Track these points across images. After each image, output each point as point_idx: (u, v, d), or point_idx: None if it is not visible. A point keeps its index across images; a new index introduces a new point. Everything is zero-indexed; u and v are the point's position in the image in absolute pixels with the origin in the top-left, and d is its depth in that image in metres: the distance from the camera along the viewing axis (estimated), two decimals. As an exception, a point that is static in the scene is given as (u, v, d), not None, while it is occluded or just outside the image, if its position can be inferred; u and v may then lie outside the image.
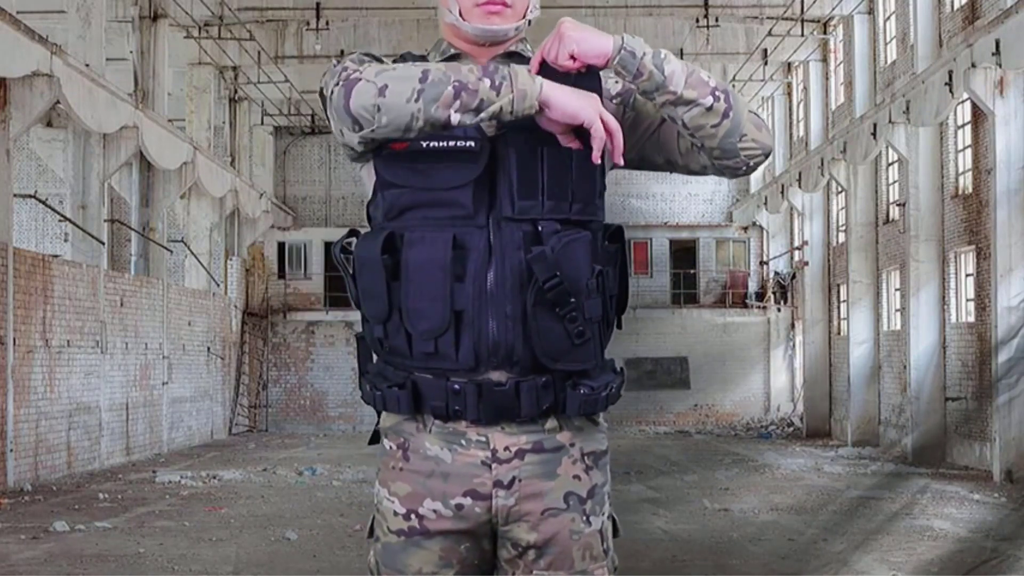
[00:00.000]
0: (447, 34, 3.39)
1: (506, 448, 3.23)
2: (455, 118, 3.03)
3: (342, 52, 35.12)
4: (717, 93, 3.14)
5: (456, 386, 3.18)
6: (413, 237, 3.16)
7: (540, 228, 3.15)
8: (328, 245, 43.87)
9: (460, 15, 3.29)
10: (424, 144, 3.15)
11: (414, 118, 3.03)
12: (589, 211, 3.23)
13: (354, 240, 3.29)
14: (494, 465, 3.23)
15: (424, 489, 3.25)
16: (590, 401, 3.24)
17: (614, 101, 3.35)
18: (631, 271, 3.61)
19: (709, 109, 3.14)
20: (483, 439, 3.23)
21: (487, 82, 3.03)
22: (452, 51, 3.34)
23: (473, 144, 3.16)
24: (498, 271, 3.14)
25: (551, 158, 3.18)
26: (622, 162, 3.19)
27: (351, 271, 3.27)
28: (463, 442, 3.23)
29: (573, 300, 3.14)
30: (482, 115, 3.05)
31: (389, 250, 3.16)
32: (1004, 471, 20.49)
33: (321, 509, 17.31)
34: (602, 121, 3.08)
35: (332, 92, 3.11)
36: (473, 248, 3.14)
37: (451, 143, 3.15)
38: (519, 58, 3.33)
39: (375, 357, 3.37)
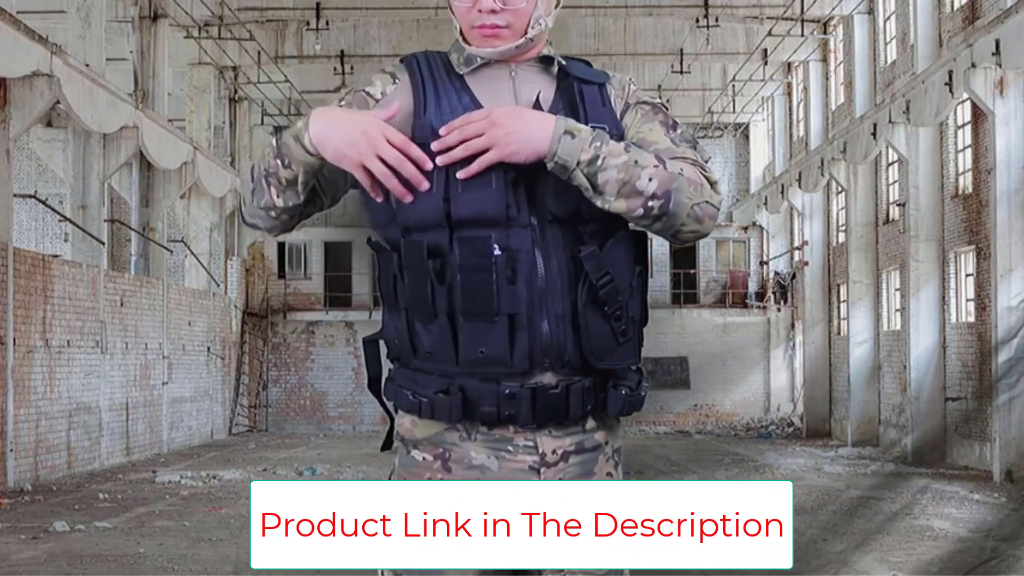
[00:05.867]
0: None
1: (554, 451, 3.19)
2: (279, 201, 3.15)
3: (342, 52, 35.15)
4: (650, 204, 3.07)
5: (508, 390, 3.12)
6: (459, 237, 3.08)
7: (582, 229, 3.14)
8: (328, 245, 43.94)
9: (462, 34, 3.27)
10: None
11: (268, 211, 3.17)
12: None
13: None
14: (543, 469, 3.19)
15: None
16: (631, 401, 3.24)
17: (627, 112, 3.35)
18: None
19: (639, 216, 3.10)
20: (531, 444, 3.18)
21: (278, 162, 3.10)
22: (479, 60, 3.26)
23: None
24: (548, 271, 3.11)
25: None
26: (425, 186, 3.06)
27: (396, 271, 3.18)
28: (510, 448, 3.19)
29: (621, 298, 3.14)
30: (296, 187, 3.12)
31: (434, 254, 3.09)
32: (1004, 471, 20.46)
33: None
34: (380, 159, 3.02)
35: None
36: (521, 249, 3.10)
37: None
38: (550, 62, 3.31)
39: (385, 361, 3.31)
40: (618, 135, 3.21)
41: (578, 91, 3.26)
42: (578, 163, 3.02)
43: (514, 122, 3.03)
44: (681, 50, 35.55)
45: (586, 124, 3.15)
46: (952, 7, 25.37)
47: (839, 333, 34.77)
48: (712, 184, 3.17)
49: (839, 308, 35.05)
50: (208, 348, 34.47)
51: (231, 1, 31.83)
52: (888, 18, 30.28)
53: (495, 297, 3.07)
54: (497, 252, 3.07)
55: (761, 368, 42.69)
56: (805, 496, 18.68)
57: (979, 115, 23.54)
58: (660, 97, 32.42)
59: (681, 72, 36.02)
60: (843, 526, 15.31)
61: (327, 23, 34.30)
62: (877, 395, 30.26)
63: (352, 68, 35.44)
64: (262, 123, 40.75)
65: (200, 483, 21.41)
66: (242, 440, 35.10)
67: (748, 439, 35.13)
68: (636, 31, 35.60)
